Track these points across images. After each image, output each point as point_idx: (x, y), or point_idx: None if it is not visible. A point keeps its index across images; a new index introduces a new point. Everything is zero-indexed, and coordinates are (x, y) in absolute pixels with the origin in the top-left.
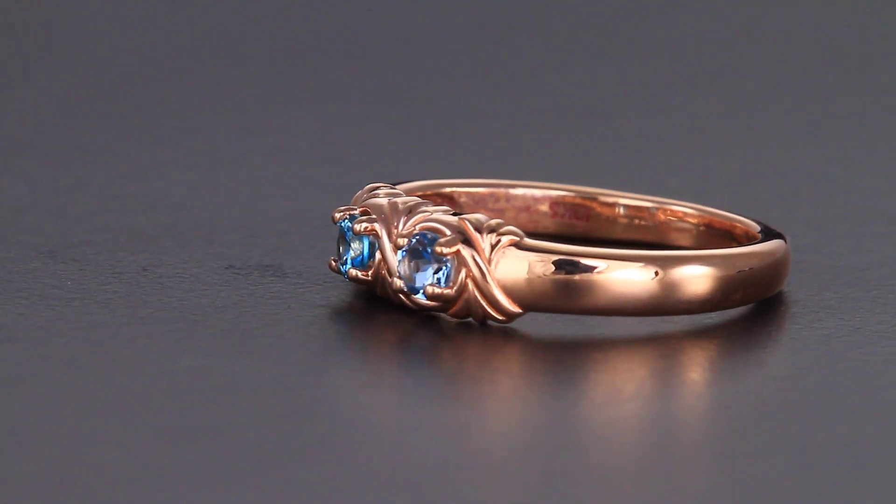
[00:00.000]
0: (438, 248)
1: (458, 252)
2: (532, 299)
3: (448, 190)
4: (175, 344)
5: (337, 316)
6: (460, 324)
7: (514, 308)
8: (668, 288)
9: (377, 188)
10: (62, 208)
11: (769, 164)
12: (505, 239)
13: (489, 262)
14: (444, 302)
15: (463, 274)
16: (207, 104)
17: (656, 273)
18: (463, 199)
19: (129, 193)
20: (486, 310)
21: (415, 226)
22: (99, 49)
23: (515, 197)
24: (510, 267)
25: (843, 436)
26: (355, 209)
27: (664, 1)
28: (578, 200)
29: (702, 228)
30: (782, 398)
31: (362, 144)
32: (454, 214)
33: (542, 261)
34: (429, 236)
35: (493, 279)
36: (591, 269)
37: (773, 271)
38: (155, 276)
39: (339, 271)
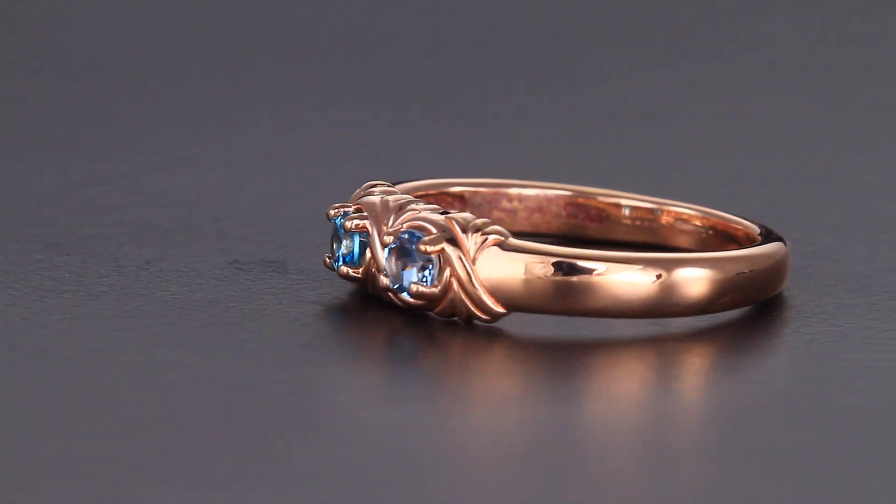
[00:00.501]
0: (422, 247)
1: (442, 251)
2: (528, 300)
3: (458, 189)
4: (154, 337)
5: (325, 313)
6: (447, 323)
7: (498, 308)
8: (667, 290)
9: (374, 185)
10: (85, 201)
11: (806, 170)
12: (490, 238)
13: (474, 261)
14: (430, 301)
15: (448, 273)
16: (249, 101)
17: (658, 276)
18: (475, 199)
19: (156, 188)
20: (470, 309)
21: (402, 224)
22: (139, 44)
23: (528, 197)
24: (505, 267)
25: (793, 441)
26: (350, 206)
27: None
28: (592, 202)
29: (710, 232)
30: (748, 402)
31: (393, 143)
32: (442, 213)
33: (541, 262)
34: (415, 235)
35: (477, 279)
36: (589, 271)
37: (771, 274)
38: (156, 269)
39: (332, 268)
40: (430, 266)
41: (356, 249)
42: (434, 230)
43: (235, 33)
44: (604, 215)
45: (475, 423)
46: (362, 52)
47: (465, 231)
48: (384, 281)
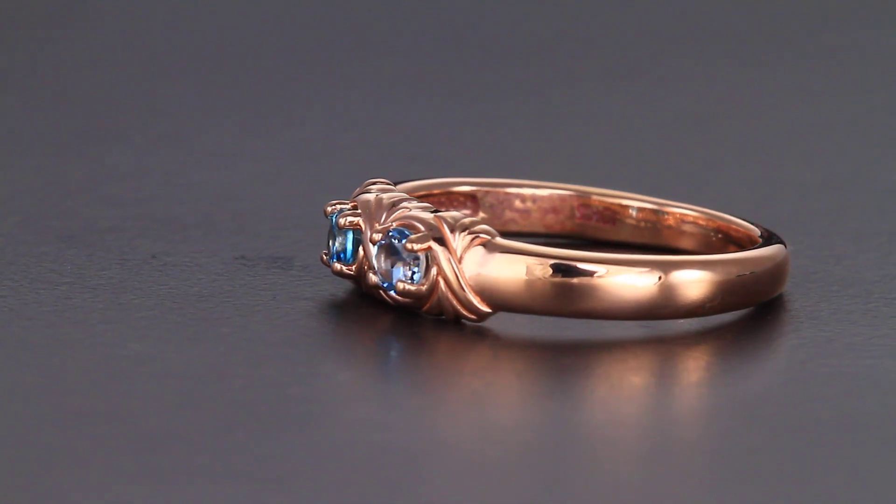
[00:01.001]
0: (409, 245)
1: (429, 249)
2: (515, 300)
3: (468, 189)
4: (136, 330)
5: (317, 310)
6: (437, 322)
7: (484, 308)
8: (667, 293)
9: (373, 183)
10: (110, 195)
11: (839, 176)
12: (470, 237)
13: (460, 260)
14: (417, 299)
15: (434, 272)
16: (292, 98)
17: (659, 278)
18: (487, 199)
19: (185, 183)
20: (456, 308)
21: (392, 222)
22: (186, 41)
23: (542, 198)
24: (490, 266)
25: (749, 445)
26: (347, 203)
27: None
28: (606, 204)
29: (720, 236)
30: (703, 405)
31: (432, 141)
32: (433, 212)
33: (536, 263)
34: (404, 232)
35: (463, 278)
36: (589, 273)
37: (771, 277)
38: (160, 264)
39: (328, 265)
40: (419, 264)
41: (349, 246)
42: (422, 228)
43: (277, 31)
44: (617, 217)
45: (463, 421)
46: (401, 50)
47: (452, 230)
48: (373, 278)
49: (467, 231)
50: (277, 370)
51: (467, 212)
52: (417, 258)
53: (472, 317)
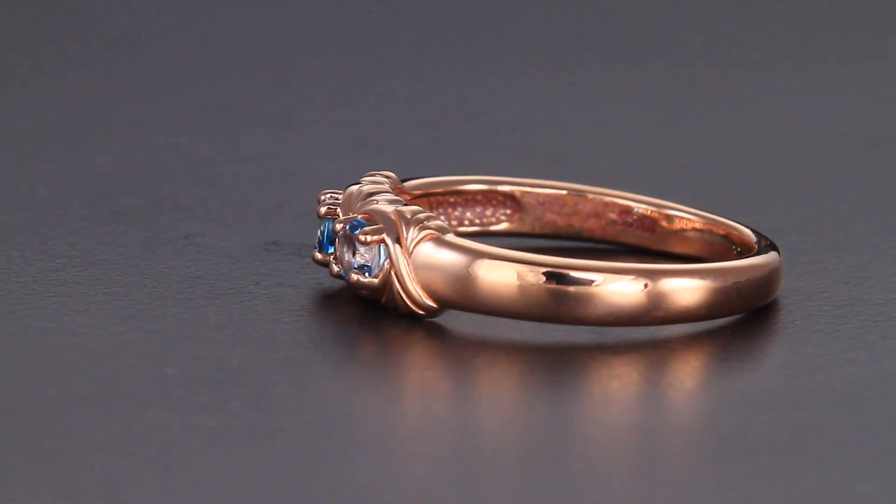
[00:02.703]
0: (362, 237)
1: (382, 242)
2: (457, 298)
3: (508, 188)
4: (94, 306)
5: (294, 298)
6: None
7: (429, 303)
8: (656, 300)
9: (372, 175)
10: (196, 174)
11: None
12: (422, 232)
13: (410, 254)
14: (371, 291)
15: (388, 265)
16: (401, 85)
17: (645, 285)
18: (527, 200)
19: (278, 167)
20: (405, 302)
21: (358, 213)
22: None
23: (585, 202)
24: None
25: (735, 449)
26: (339, 193)
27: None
28: (647, 212)
29: (740, 249)
30: (694, 407)
31: (483, 141)
32: (404, 205)
33: (484, 262)
34: (362, 224)
35: (411, 272)
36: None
37: (763, 284)
38: (184, 244)
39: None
40: (374, 257)
41: (326, 236)
42: (378, 221)
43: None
44: (656, 226)
45: (451, 424)
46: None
47: (407, 225)
48: (334, 268)
49: (420, 226)
50: (192, 354)
51: (464, 211)
52: (372, 250)
53: (420, 312)
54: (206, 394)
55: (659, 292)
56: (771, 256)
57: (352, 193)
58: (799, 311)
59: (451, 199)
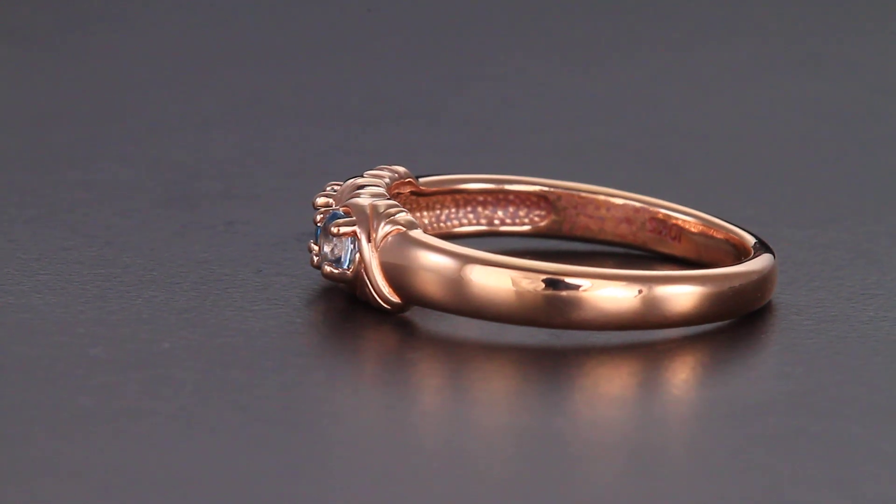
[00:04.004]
0: (333, 228)
1: (353, 234)
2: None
3: (538, 188)
4: (73, 286)
5: (284, 289)
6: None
7: (393, 298)
8: (650, 305)
9: (379, 169)
10: (267, 164)
11: None
12: (390, 227)
13: (377, 248)
14: (344, 283)
15: (357, 258)
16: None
17: (639, 291)
18: (559, 202)
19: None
20: (372, 295)
21: (340, 205)
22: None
23: (617, 206)
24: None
25: (727, 451)
26: (340, 185)
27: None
28: (672, 220)
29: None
30: (686, 410)
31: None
32: (386, 199)
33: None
34: (338, 215)
35: (377, 266)
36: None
37: (758, 288)
38: (218, 230)
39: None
40: (348, 249)
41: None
42: (354, 214)
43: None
44: (682, 234)
45: (445, 424)
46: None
47: (378, 219)
48: (314, 259)
49: (389, 220)
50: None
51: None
52: (344, 243)
53: (386, 307)
54: (120, 374)
55: (653, 297)
56: (763, 262)
57: (346, 185)
58: (791, 315)
59: (480, 198)
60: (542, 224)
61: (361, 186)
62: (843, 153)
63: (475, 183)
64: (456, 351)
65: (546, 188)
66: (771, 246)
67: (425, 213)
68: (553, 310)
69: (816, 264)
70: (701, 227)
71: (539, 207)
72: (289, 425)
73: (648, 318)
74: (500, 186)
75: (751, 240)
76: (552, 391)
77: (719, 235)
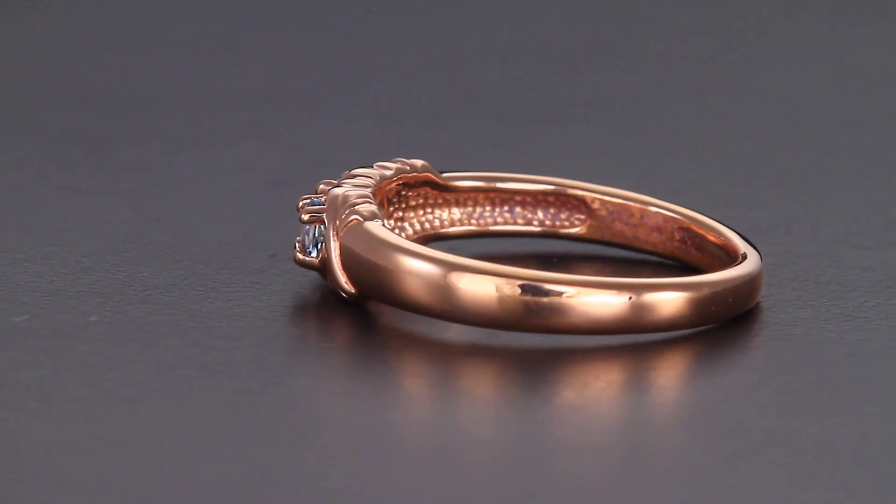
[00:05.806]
0: (303, 216)
1: (321, 223)
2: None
3: (579, 192)
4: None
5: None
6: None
7: (348, 287)
8: (638, 310)
9: (386, 160)
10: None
11: None
12: (352, 217)
13: (338, 237)
14: (314, 270)
15: (323, 246)
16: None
17: (630, 297)
18: (597, 207)
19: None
20: (332, 283)
21: (321, 195)
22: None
23: (649, 215)
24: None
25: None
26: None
27: None
28: (700, 231)
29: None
30: (674, 412)
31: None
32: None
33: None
34: (318, 203)
35: (337, 254)
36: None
37: (745, 292)
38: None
39: None
40: (318, 238)
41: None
42: (328, 203)
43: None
44: (706, 245)
45: (431, 426)
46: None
47: (344, 208)
48: (296, 247)
49: (350, 210)
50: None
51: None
52: (313, 231)
53: (343, 295)
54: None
55: (642, 304)
56: (750, 266)
57: (342, 176)
58: (779, 315)
59: (518, 198)
60: (582, 229)
61: (354, 176)
62: None
63: (510, 182)
64: (441, 352)
65: (584, 192)
66: (759, 249)
67: (455, 210)
68: (455, 308)
69: (802, 265)
70: (715, 238)
71: (580, 211)
72: (272, 424)
73: (634, 325)
74: (546, 188)
75: (741, 245)
76: (538, 392)
77: (717, 241)
